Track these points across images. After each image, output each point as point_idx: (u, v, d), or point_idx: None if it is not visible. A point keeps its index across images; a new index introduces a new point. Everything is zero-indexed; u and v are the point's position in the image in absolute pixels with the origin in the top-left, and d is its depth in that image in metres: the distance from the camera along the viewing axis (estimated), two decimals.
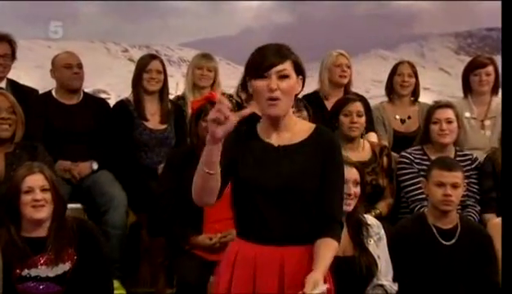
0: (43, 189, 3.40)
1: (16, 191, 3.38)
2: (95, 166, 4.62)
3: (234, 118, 2.34)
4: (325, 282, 2.43)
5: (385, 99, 5.31)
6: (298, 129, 2.62)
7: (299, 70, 2.59)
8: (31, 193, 3.37)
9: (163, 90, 4.84)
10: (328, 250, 2.50)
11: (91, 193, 4.55)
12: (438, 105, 4.54)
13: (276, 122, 2.60)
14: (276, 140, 2.61)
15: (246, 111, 2.38)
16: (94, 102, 4.96)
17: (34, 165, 3.50)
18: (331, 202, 2.56)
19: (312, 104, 4.90)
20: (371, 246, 3.53)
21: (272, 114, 2.57)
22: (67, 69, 4.76)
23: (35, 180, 3.39)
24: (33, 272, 3.37)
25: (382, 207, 4.37)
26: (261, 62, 2.55)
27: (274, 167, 2.56)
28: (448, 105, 4.53)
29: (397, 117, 5.15)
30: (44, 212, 3.38)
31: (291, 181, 2.53)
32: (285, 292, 2.51)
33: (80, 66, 4.80)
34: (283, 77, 2.54)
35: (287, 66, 2.55)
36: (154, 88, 4.80)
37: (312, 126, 2.65)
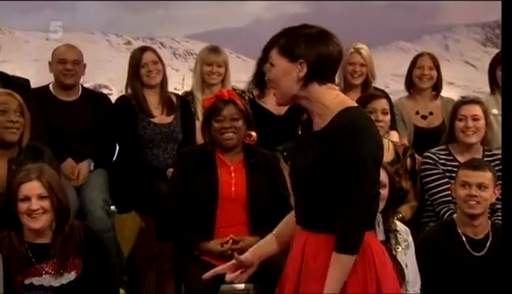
0: (41, 197, 3.40)
1: (14, 198, 3.40)
2: (92, 166, 4.66)
3: None
4: None
5: (405, 94, 5.31)
6: (327, 113, 2.61)
7: (291, 54, 2.61)
8: (27, 201, 3.38)
9: (163, 80, 4.87)
10: (331, 272, 2.56)
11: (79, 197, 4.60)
12: (465, 101, 4.53)
13: (307, 110, 2.71)
14: (315, 127, 2.67)
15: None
16: (94, 98, 4.97)
17: (32, 170, 3.48)
18: (345, 200, 2.55)
19: None
20: (399, 254, 3.52)
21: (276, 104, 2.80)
22: (61, 65, 4.77)
23: (31, 189, 3.39)
24: (37, 281, 3.39)
25: (405, 210, 4.38)
26: None
27: (299, 154, 2.71)
28: (475, 101, 4.52)
29: (418, 113, 5.14)
30: (41, 222, 3.39)
31: (299, 173, 2.66)
32: (301, 275, 2.64)
33: (76, 62, 4.79)
34: (270, 65, 2.66)
35: (272, 53, 2.64)
36: (155, 81, 4.82)
37: (339, 109, 2.61)
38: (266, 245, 2.81)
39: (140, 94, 4.80)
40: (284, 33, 2.65)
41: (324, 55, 2.60)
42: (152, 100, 4.84)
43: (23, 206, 3.38)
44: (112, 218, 4.57)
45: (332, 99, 2.62)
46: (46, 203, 3.39)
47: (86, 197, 4.55)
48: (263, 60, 2.73)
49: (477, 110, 4.43)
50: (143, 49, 4.97)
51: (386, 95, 4.73)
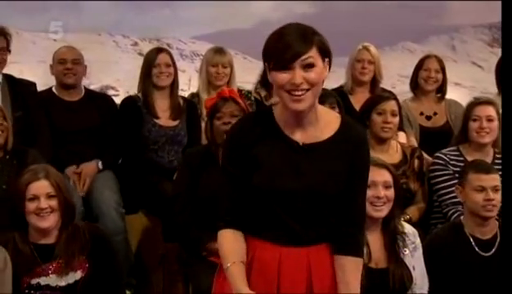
0: (49, 196, 3.41)
1: (21, 198, 3.41)
2: (100, 165, 4.65)
3: None
4: None
5: (411, 95, 5.31)
6: (324, 124, 2.54)
7: (325, 53, 2.46)
8: (36, 201, 3.39)
9: (174, 84, 4.86)
10: (355, 276, 2.57)
11: (87, 199, 4.58)
12: (479, 101, 4.49)
13: (299, 116, 2.51)
14: (300, 136, 2.53)
15: None
16: (97, 98, 4.97)
17: (38, 169, 3.49)
18: (355, 208, 2.58)
19: None
20: (407, 256, 3.48)
21: (297, 110, 2.46)
22: (60, 65, 4.79)
23: (39, 188, 3.41)
24: (43, 281, 3.39)
25: (412, 212, 4.36)
26: (283, 51, 2.40)
27: (297, 169, 2.52)
28: (489, 102, 4.49)
29: (423, 114, 5.14)
30: (50, 221, 3.40)
31: (314, 186, 2.51)
32: (313, 289, 2.57)
33: (76, 62, 4.80)
34: (308, 66, 2.42)
35: (313, 53, 2.42)
36: (164, 83, 4.82)
37: (338, 119, 2.58)
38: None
39: (149, 95, 4.80)
40: (312, 31, 2.45)
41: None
42: (160, 102, 4.84)
43: (31, 205, 3.39)
44: (124, 220, 4.55)
45: (318, 106, 2.55)
46: (54, 202, 3.41)
47: (98, 198, 4.52)
48: (291, 62, 2.39)
49: (491, 111, 4.40)
50: (159, 50, 4.99)
51: (395, 97, 4.72)
